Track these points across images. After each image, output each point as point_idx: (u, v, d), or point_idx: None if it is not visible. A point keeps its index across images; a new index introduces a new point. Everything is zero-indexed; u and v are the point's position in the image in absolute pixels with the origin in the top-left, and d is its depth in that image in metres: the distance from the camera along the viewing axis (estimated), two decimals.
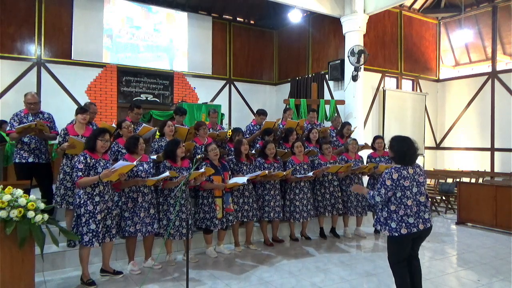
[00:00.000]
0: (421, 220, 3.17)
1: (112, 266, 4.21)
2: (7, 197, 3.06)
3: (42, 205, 3.21)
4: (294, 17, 10.53)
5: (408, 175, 3.18)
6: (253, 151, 5.95)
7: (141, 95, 10.72)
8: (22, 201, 3.11)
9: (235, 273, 4.35)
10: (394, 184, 3.16)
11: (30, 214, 3.09)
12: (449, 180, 8.70)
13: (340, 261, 4.82)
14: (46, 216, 3.20)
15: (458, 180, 8.37)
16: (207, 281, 4.08)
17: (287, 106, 8.87)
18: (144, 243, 4.47)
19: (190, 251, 4.31)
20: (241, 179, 4.82)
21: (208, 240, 4.97)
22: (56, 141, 4.94)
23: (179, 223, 4.45)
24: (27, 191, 4.31)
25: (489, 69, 10.67)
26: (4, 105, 8.93)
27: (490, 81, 10.44)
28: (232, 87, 12.39)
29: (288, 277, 4.25)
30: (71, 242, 3.79)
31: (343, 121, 7.27)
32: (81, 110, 4.64)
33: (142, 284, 3.88)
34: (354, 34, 9.11)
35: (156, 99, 10.94)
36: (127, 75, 10.54)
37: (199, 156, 4.33)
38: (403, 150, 3.22)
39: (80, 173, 3.70)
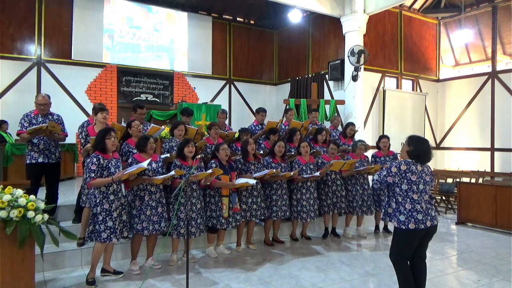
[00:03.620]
0: (429, 218, 3.22)
1: (112, 266, 4.21)
2: (7, 197, 3.06)
3: (42, 205, 3.20)
4: (294, 17, 10.53)
5: (417, 171, 3.25)
6: (261, 152, 5.95)
7: (141, 95, 10.72)
8: (22, 201, 3.10)
9: (235, 273, 4.35)
10: (399, 173, 3.23)
11: (30, 214, 3.09)
12: (449, 180, 8.70)
13: (340, 261, 4.82)
14: (46, 216, 3.20)
15: (458, 180, 8.37)
16: (207, 281, 4.08)
17: (288, 106, 8.87)
18: (147, 242, 4.48)
19: (189, 251, 4.32)
20: (251, 180, 4.83)
21: (211, 239, 4.98)
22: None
23: (189, 222, 4.47)
24: (35, 191, 4.35)
25: (489, 69, 10.67)
26: (4, 105, 8.94)
27: (490, 81, 10.44)
28: (232, 87, 12.40)
29: (288, 277, 4.25)
30: (91, 237, 3.84)
31: (343, 121, 7.27)
32: (100, 109, 4.64)
33: (142, 284, 3.88)
34: (354, 34, 9.12)
35: (156, 99, 10.94)
36: (127, 75, 10.54)
37: (199, 156, 4.35)
38: (421, 151, 3.30)
39: (93, 174, 3.78)
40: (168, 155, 4.86)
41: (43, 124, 4.50)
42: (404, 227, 3.19)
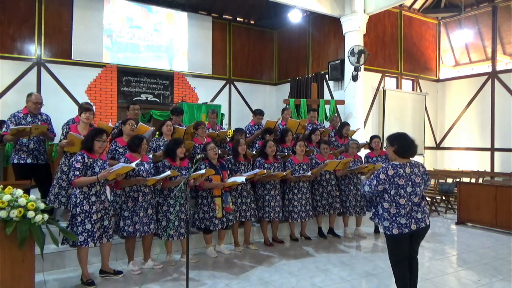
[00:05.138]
0: (413, 221, 3.16)
1: (112, 266, 4.21)
2: (7, 197, 3.06)
3: (42, 205, 3.20)
4: (294, 17, 10.53)
5: (404, 174, 3.19)
6: (254, 152, 5.95)
7: (141, 95, 10.72)
8: (22, 201, 3.10)
9: (235, 273, 4.35)
10: (387, 180, 3.18)
11: (30, 214, 3.09)
12: (449, 180, 8.70)
13: (340, 261, 4.82)
14: (46, 216, 3.19)
15: (458, 180, 8.37)
16: (207, 281, 4.08)
17: (287, 106, 8.87)
18: (142, 243, 4.46)
19: (190, 251, 4.31)
20: (240, 178, 4.83)
21: (208, 240, 4.97)
22: (56, 142, 4.89)
23: (178, 223, 4.46)
24: (26, 191, 4.31)
25: (489, 69, 10.67)
26: (4, 105, 8.93)
27: (490, 81, 10.43)
28: (232, 87, 12.39)
29: (288, 277, 4.25)
30: (68, 240, 3.77)
31: (342, 121, 7.27)
32: (84, 109, 4.60)
33: (142, 284, 3.88)
34: (354, 34, 9.12)
35: (156, 99, 10.94)
36: (127, 75, 10.54)
37: (199, 156, 4.34)
38: (406, 145, 3.26)
39: (77, 173, 3.70)
40: (150, 155, 4.81)
41: (27, 126, 4.37)
42: (388, 233, 3.19)
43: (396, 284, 3.33)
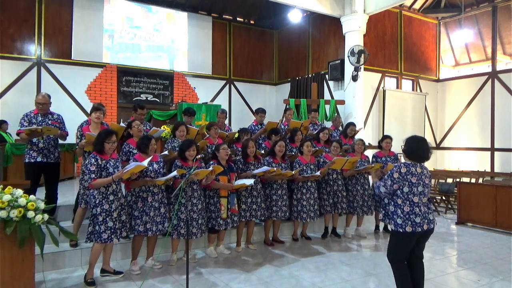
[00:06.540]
0: (426, 221, 3.21)
1: (112, 266, 4.21)
2: (7, 197, 3.05)
3: (42, 205, 3.20)
4: (294, 17, 10.54)
5: (416, 173, 3.25)
6: (262, 151, 5.96)
7: (141, 95, 10.73)
8: (22, 201, 3.10)
9: (235, 273, 4.35)
10: (401, 178, 3.22)
11: (30, 214, 3.08)
12: (449, 180, 8.70)
13: (340, 261, 4.82)
14: (46, 216, 3.19)
15: (458, 180, 8.37)
16: (207, 281, 4.08)
17: (287, 106, 8.87)
18: (148, 242, 4.48)
19: (190, 251, 4.31)
20: (249, 181, 4.84)
21: (211, 239, 4.98)
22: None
23: (190, 223, 4.47)
24: (33, 191, 4.35)
25: (489, 69, 10.68)
26: (4, 105, 8.94)
27: (490, 81, 10.44)
28: (232, 87, 12.40)
29: (288, 277, 4.25)
30: (90, 238, 3.86)
31: (343, 121, 7.28)
32: (94, 108, 4.66)
33: (142, 284, 3.88)
34: (354, 34, 9.12)
35: (156, 99, 10.95)
36: (127, 75, 10.54)
37: (199, 156, 4.35)
38: (413, 148, 3.30)
39: (93, 175, 3.80)
40: (166, 152, 4.84)
41: (38, 127, 4.48)
42: (401, 230, 3.19)
43: (396, 284, 3.33)
